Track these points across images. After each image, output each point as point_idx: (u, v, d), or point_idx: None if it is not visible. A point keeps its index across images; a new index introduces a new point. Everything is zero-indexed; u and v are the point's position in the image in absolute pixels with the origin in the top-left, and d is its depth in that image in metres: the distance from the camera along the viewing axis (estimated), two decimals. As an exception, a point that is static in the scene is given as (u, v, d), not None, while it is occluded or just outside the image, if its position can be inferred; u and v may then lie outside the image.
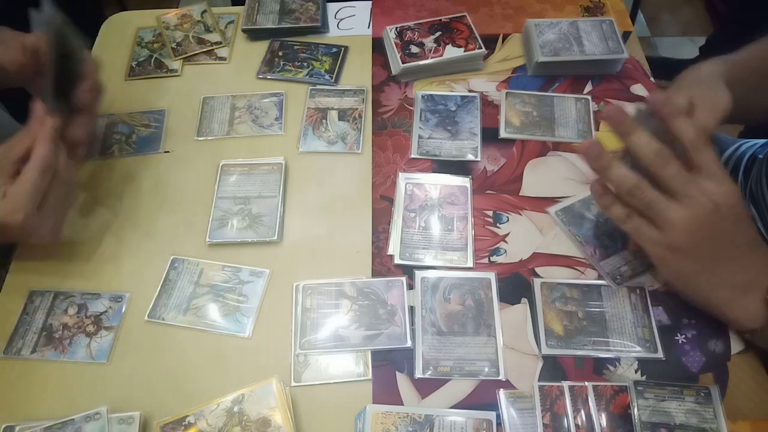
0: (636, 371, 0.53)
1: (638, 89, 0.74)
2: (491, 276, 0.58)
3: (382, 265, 0.60)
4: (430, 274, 0.58)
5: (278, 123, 0.72)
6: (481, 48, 0.74)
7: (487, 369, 0.53)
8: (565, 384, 0.52)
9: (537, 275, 0.59)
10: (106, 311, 0.58)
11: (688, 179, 0.47)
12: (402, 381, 0.53)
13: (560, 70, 0.74)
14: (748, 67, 0.62)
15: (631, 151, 0.49)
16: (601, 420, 0.50)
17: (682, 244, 0.49)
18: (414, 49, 0.75)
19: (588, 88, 0.74)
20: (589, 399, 0.51)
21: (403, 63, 0.74)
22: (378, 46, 0.79)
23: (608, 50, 0.73)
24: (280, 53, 0.79)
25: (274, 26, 0.80)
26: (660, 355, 0.53)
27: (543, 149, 0.69)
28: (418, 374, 0.53)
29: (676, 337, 0.55)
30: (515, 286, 0.59)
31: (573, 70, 0.75)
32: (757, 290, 0.50)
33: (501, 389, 0.52)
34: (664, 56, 1.93)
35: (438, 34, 0.76)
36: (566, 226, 0.62)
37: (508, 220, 0.63)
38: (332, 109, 0.73)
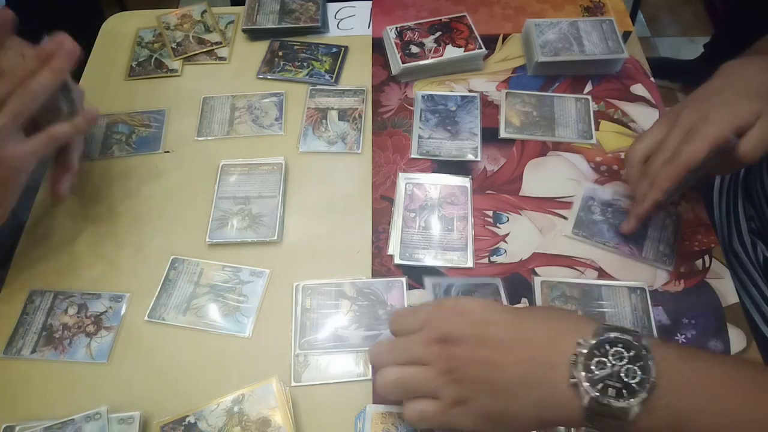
0: (636, 371, 0.53)
1: (638, 89, 0.74)
2: (497, 282, 0.58)
3: (382, 265, 0.60)
4: (443, 280, 0.58)
5: (278, 123, 0.72)
6: (481, 48, 0.74)
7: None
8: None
9: (537, 275, 0.59)
10: (106, 311, 0.58)
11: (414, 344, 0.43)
12: (402, 381, 0.53)
13: (560, 70, 0.74)
14: None
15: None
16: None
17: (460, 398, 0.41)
18: (414, 49, 0.75)
19: (588, 88, 0.74)
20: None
21: (403, 63, 0.74)
22: (378, 46, 0.79)
23: (608, 50, 0.73)
24: (280, 53, 0.79)
25: (274, 26, 0.80)
26: (660, 355, 0.53)
27: (543, 149, 0.69)
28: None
29: (676, 337, 0.55)
30: (515, 286, 0.59)
31: (573, 70, 0.75)
32: (550, 384, 0.39)
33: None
34: (664, 56, 1.93)
35: (438, 34, 0.76)
36: (590, 239, 0.61)
37: (508, 220, 0.63)
38: (332, 109, 0.73)
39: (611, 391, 0.37)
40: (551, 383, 0.39)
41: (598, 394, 0.37)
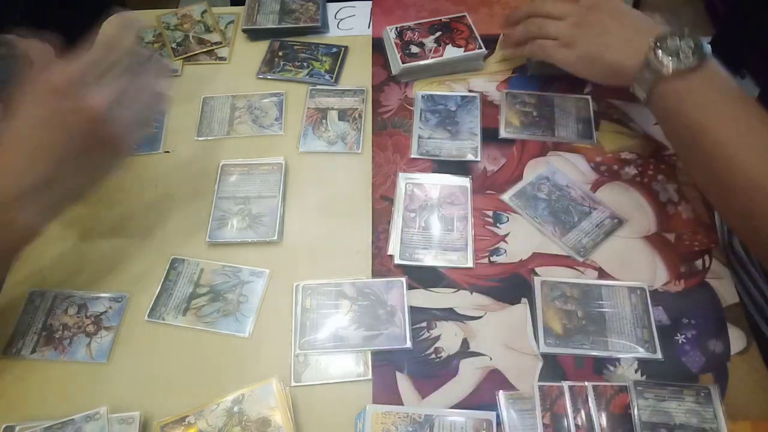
0: (636, 371, 0.53)
1: (638, 89, 0.74)
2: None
3: (382, 265, 0.60)
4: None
5: (278, 123, 0.72)
6: (481, 48, 0.74)
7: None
8: (565, 384, 0.52)
9: (537, 275, 0.59)
10: (106, 311, 0.58)
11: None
12: (402, 381, 0.53)
13: (559, 69, 0.74)
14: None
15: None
16: (601, 420, 0.50)
17: (572, 35, 0.62)
18: (414, 49, 0.75)
19: (588, 88, 0.74)
20: (589, 399, 0.51)
21: (403, 63, 0.74)
22: (378, 46, 0.79)
23: None
24: (280, 53, 0.79)
25: (274, 26, 0.80)
26: (659, 356, 0.53)
27: (543, 149, 0.69)
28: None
29: (675, 337, 0.55)
30: (515, 286, 0.59)
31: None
32: (635, 52, 0.56)
33: (501, 390, 0.52)
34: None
35: (438, 34, 0.76)
36: (523, 210, 0.63)
37: (508, 220, 0.63)
38: (332, 109, 0.73)
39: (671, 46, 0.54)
40: (637, 41, 0.57)
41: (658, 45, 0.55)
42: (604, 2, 0.62)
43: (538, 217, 0.63)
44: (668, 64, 0.54)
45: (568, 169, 0.66)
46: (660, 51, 0.54)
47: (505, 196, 0.64)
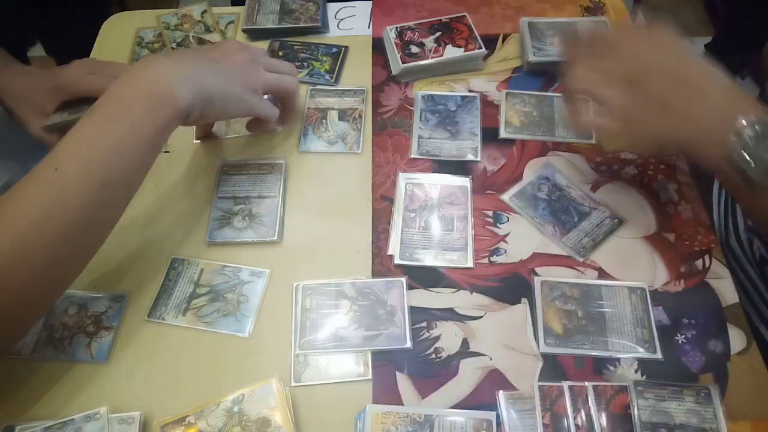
0: (636, 371, 0.53)
1: (638, 89, 0.74)
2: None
3: (382, 265, 0.60)
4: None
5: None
6: (481, 48, 0.74)
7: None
8: (565, 384, 0.52)
9: (537, 275, 0.59)
10: (106, 311, 0.58)
11: (600, 59, 0.54)
12: (402, 381, 0.53)
13: (553, 69, 0.74)
14: None
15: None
16: (601, 420, 0.50)
17: (630, 106, 0.51)
18: (414, 49, 0.75)
19: (588, 88, 0.74)
20: (589, 399, 0.51)
21: (403, 63, 0.74)
22: (378, 46, 0.79)
23: None
24: (280, 53, 0.79)
25: (274, 26, 0.80)
26: (659, 356, 0.53)
27: (543, 149, 0.69)
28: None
29: (676, 337, 0.55)
30: (515, 286, 0.59)
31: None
32: (716, 128, 0.48)
33: (501, 390, 0.52)
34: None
35: (438, 34, 0.77)
36: (523, 210, 0.63)
37: (508, 220, 0.63)
38: (332, 109, 0.73)
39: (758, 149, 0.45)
40: (715, 117, 0.48)
41: (752, 134, 0.45)
42: (643, 50, 0.52)
43: (538, 217, 0.63)
44: (757, 174, 0.46)
45: (568, 169, 0.67)
46: (746, 154, 0.46)
47: (505, 196, 0.64)
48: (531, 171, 0.67)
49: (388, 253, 0.61)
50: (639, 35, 0.56)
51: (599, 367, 0.53)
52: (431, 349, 0.55)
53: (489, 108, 0.72)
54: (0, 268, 0.44)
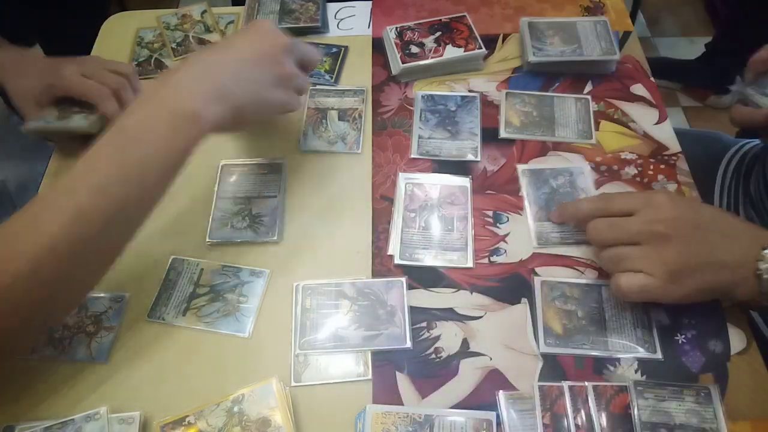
0: (636, 371, 0.53)
1: (638, 89, 0.74)
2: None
3: (382, 265, 0.60)
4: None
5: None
6: (481, 48, 0.74)
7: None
8: (565, 384, 0.52)
9: (537, 275, 0.59)
10: (106, 311, 0.58)
11: (636, 197, 0.53)
12: (402, 381, 0.53)
13: (553, 69, 0.75)
14: None
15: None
16: (601, 420, 0.50)
17: (674, 269, 0.50)
18: (414, 49, 0.75)
19: (588, 88, 0.74)
20: (589, 399, 0.51)
21: (403, 63, 0.74)
22: (378, 46, 0.79)
23: (601, 51, 0.73)
24: (280, 53, 0.78)
25: (274, 26, 0.80)
26: (659, 356, 0.53)
27: (543, 149, 0.69)
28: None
29: (676, 337, 0.55)
30: (515, 286, 0.59)
31: (566, 70, 0.75)
32: (746, 267, 0.50)
33: (501, 390, 0.52)
34: (664, 56, 1.93)
35: (438, 34, 0.76)
36: (525, 184, 0.65)
37: (508, 220, 0.63)
38: (332, 109, 0.73)
39: None
40: (745, 259, 0.50)
41: None
42: (675, 216, 0.51)
43: (532, 195, 0.64)
44: None
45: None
46: None
47: (523, 167, 0.66)
48: (557, 163, 0.67)
49: (388, 253, 0.61)
50: (641, 195, 0.56)
51: (599, 367, 0.53)
52: (431, 349, 0.55)
53: (489, 108, 0.72)
54: (12, 292, 0.43)
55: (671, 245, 0.50)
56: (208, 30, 0.82)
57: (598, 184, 0.65)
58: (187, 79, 0.50)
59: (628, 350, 0.54)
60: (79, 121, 0.64)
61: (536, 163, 0.67)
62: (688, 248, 0.50)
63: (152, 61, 0.79)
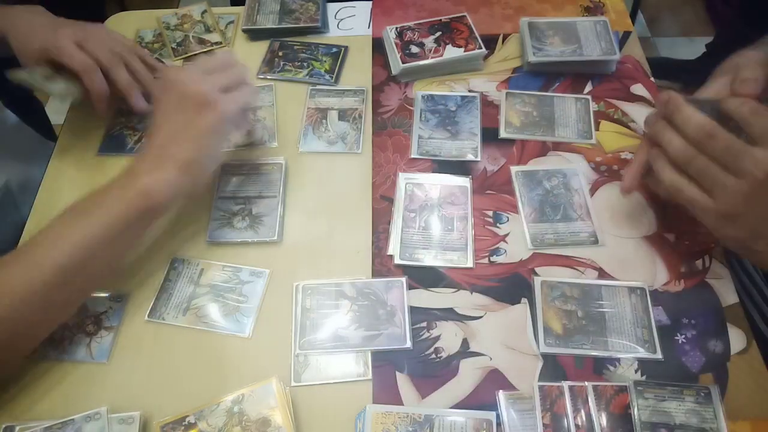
0: (636, 371, 0.53)
1: (638, 89, 0.74)
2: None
3: (382, 265, 0.60)
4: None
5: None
6: (481, 48, 0.74)
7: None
8: (565, 384, 0.52)
9: (537, 275, 0.59)
10: (106, 311, 0.58)
11: (739, 152, 0.47)
12: (402, 381, 0.53)
13: (553, 69, 0.74)
14: None
15: (679, 131, 0.50)
16: (601, 420, 0.50)
17: (737, 214, 0.48)
18: (414, 49, 0.75)
19: (588, 88, 0.74)
20: (589, 399, 0.51)
21: (403, 63, 0.74)
22: (378, 46, 0.79)
23: (601, 51, 0.73)
24: (280, 53, 0.79)
25: (274, 26, 0.80)
26: (659, 356, 0.53)
27: (543, 149, 0.69)
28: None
29: (676, 337, 0.55)
30: (515, 286, 0.59)
31: (566, 70, 0.75)
32: None
33: (501, 390, 0.52)
34: (664, 56, 1.93)
35: (438, 34, 0.76)
36: (519, 185, 0.65)
37: (508, 220, 0.63)
38: (332, 109, 0.73)
39: None
40: None
41: None
42: None
43: (525, 197, 0.64)
44: None
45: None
46: None
47: (516, 168, 0.66)
48: (552, 164, 0.67)
49: (388, 253, 0.61)
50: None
51: (599, 367, 0.53)
52: (431, 349, 0.55)
53: (489, 108, 0.72)
54: None
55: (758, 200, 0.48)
56: (208, 30, 0.82)
57: (597, 185, 0.65)
58: (152, 174, 0.54)
59: (628, 350, 0.54)
60: (58, 87, 0.64)
61: (535, 164, 0.67)
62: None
63: (152, 61, 0.79)
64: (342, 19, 0.83)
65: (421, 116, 0.71)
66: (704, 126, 0.48)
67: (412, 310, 0.57)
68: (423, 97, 0.73)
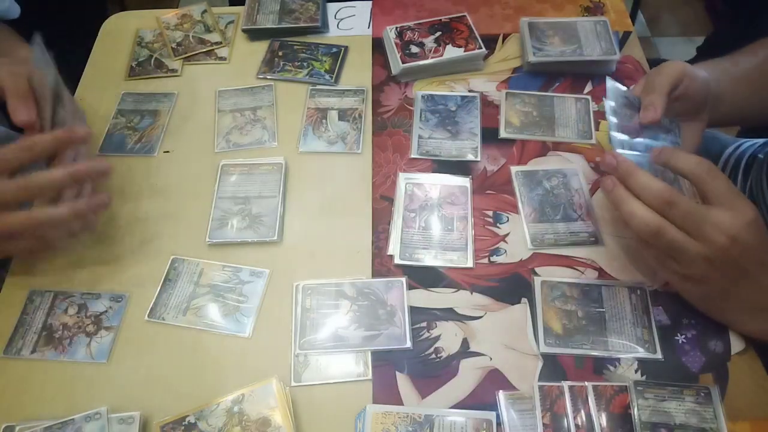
0: (636, 371, 0.53)
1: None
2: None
3: (382, 265, 0.60)
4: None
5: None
6: (481, 48, 0.74)
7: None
8: (565, 384, 0.52)
9: (537, 275, 0.59)
10: (106, 311, 0.58)
11: (699, 218, 0.47)
12: (402, 381, 0.53)
13: (553, 69, 0.74)
14: (742, 77, 0.64)
15: (636, 195, 0.50)
16: (601, 420, 0.50)
17: (702, 277, 0.50)
18: (414, 49, 0.75)
19: (588, 88, 0.74)
20: (589, 399, 0.51)
21: (403, 63, 0.74)
22: (378, 46, 0.79)
23: (601, 51, 0.73)
24: (280, 53, 0.79)
25: (274, 26, 0.80)
26: (659, 356, 0.53)
27: (543, 149, 0.69)
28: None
29: (676, 337, 0.55)
30: (515, 286, 0.59)
31: (566, 70, 0.75)
32: None
33: (501, 390, 0.52)
34: (664, 56, 1.93)
35: (438, 34, 0.76)
36: (519, 185, 0.65)
37: (508, 220, 0.63)
38: (332, 109, 0.73)
39: None
40: None
41: None
42: (741, 234, 0.47)
43: (525, 197, 0.64)
44: None
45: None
46: None
47: (516, 168, 0.66)
48: (553, 164, 0.67)
49: (388, 253, 0.61)
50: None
51: (599, 367, 0.53)
52: (431, 349, 0.55)
53: (489, 108, 0.72)
54: None
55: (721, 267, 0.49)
56: (208, 30, 0.82)
57: (596, 185, 0.65)
58: None
59: (628, 350, 0.54)
60: None
61: (535, 164, 0.67)
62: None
63: (152, 61, 0.79)
64: (342, 19, 0.83)
65: (421, 116, 0.71)
66: (662, 193, 0.48)
67: (412, 310, 0.57)
68: (423, 97, 0.73)
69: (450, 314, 0.57)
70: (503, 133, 0.70)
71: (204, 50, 0.80)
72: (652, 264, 0.55)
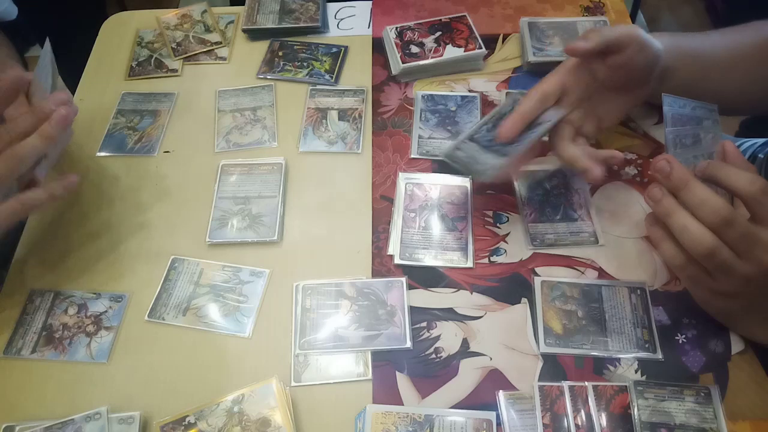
0: (636, 371, 0.53)
1: (638, 89, 0.74)
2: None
3: (382, 265, 0.60)
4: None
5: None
6: (481, 48, 0.74)
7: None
8: (565, 384, 0.52)
9: (537, 275, 0.59)
10: (106, 311, 0.58)
11: (753, 239, 0.44)
12: (402, 381, 0.53)
13: (553, 69, 0.74)
14: (694, 53, 0.62)
15: (689, 209, 0.46)
16: (601, 420, 0.50)
17: (734, 293, 0.48)
18: (414, 49, 0.75)
19: (588, 88, 0.74)
20: (589, 399, 0.51)
21: (403, 63, 0.74)
22: (378, 46, 0.79)
23: None
24: (280, 53, 0.79)
25: (274, 26, 0.80)
26: (659, 356, 0.53)
27: (543, 149, 0.68)
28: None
29: (676, 337, 0.55)
30: (515, 286, 0.59)
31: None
32: None
33: (501, 390, 0.52)
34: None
35: (438, 34, 0.76)
36: (519, 185, 0.65)
37: (508, 220, 0.63)
38: (332, 109, 0.73)
39: None
40: None
41: None
42: None
43: (525, 196, 0.64)
44: None
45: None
46: None
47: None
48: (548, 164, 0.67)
49: (388, 253, 0.61)
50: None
51: (599, 367, 0.53)
52: (431, 349, 0.55)
53: (489, 108, 0.72)
54: None
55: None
56: (208, 30, 0.82)
57: (596, 185, 0.65)
58: None
59: (628, 350, 0.54)
60: None
61: (533, 164, 0.67)
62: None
63: (152, 61, 0.79)
64: (342, 19, 0.84)
65: (421, 116, 0.71)
66: (720, 211, 0.44)
67: (412, 310, 0.57)
68: (423, 97, 0.73)
69: (450, 314, 0.57)
70: (503, 133, 0.70)
71: (204, 50, 0.80)
72: (680, 276, 0.52)
